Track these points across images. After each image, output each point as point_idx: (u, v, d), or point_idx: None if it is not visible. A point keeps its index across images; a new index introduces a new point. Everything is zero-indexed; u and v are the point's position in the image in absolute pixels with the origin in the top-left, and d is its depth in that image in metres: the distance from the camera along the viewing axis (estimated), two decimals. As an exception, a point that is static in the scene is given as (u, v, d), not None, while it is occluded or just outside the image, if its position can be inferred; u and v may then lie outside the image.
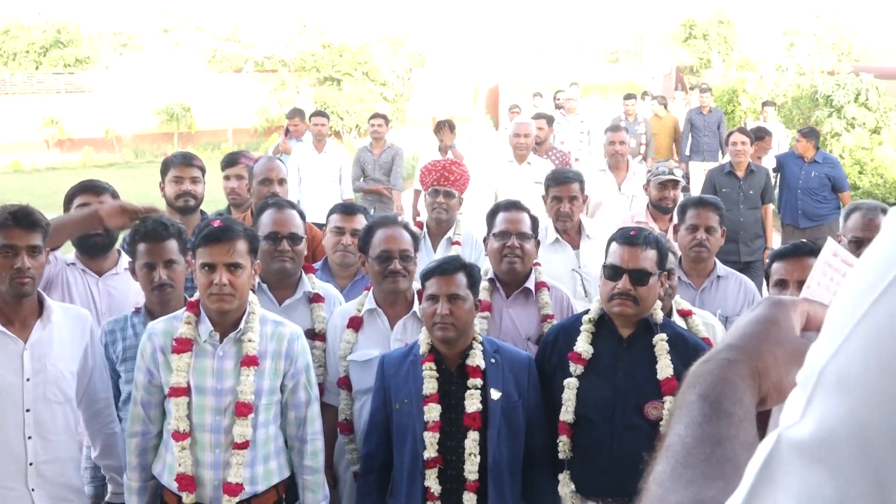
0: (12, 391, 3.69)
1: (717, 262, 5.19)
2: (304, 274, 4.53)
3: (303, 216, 4.60)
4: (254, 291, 4.28)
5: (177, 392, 3.68)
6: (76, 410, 3.95)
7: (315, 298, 4.47)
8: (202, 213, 5.55)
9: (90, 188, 4.78)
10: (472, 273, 3.87)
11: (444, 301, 3.76)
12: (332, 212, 5.11)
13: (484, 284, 4.46)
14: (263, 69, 30.44)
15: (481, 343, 3.88)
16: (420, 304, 4.00)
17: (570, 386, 3.86)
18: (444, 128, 10.80)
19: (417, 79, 31.67)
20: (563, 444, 3.85)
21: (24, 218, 3.67)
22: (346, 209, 5.11)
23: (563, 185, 5.66)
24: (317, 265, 5.06)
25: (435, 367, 3.82)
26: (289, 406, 3.86)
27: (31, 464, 3.72)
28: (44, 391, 3.74)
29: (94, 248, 4.63)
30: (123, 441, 3.97)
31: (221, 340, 3.74)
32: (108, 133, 27.21)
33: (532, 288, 4.58)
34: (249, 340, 3.71)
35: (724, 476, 0.85)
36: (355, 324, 4.29)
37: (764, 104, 15.24)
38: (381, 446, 3.90)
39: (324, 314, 4.43)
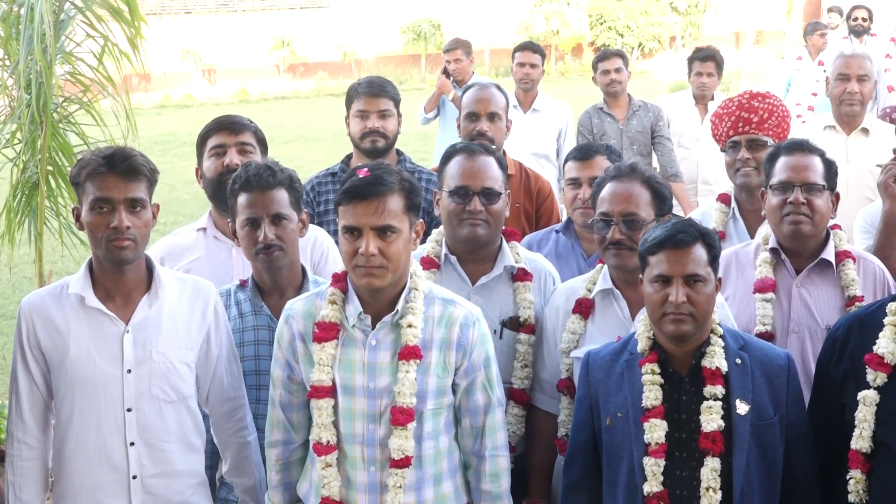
0: (109, 385, 3.64)
1: None
2: (504, 242, 4.25)
3: (503, 165, 4.28)
4: (438, 268, 4.12)
5: (319, 392, 3.52)
6: (196, 412, 3.84)
7: (520, 276, 4.20)
8: (399, 153, 5.37)
9: (227, 126, 4.57)
10: (712, 244, 3.55)
11: (680, 284, 3.46)
12: (567, 158, 4.92)
13: (765, 257, 4.26)
14: (529, -24, 30.31)
15: (721, 336, 3.58)
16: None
17: (868, 401, 3.53)
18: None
19: (717, -16, 30.56)
20: (856, 482, 3.54)
21: (121, 163, 3.57)
22: (582, 152, 4.85)
23: None
24: (559, 226, 4.90)
25: (659, 370, 3.55)
26: (462, 412, 3.67)
27: (134, 477, 3.68)
28: (149, 386, 3.67)
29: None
30: (261, 453, 3.86)
31: (374, 325, 3.55)
32: (346, 56, 28.12)
33: (831, 260, 4.24)
34: (410, 326, 3.50)
35: None
36: (585, 309, 4.06)
37: None
38: (588, 475, 3.71)
39: (531, 297, 4.18)
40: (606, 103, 8.37)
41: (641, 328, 3.62)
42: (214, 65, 27.57)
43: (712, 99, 8.41)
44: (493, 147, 4.63)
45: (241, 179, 4.00)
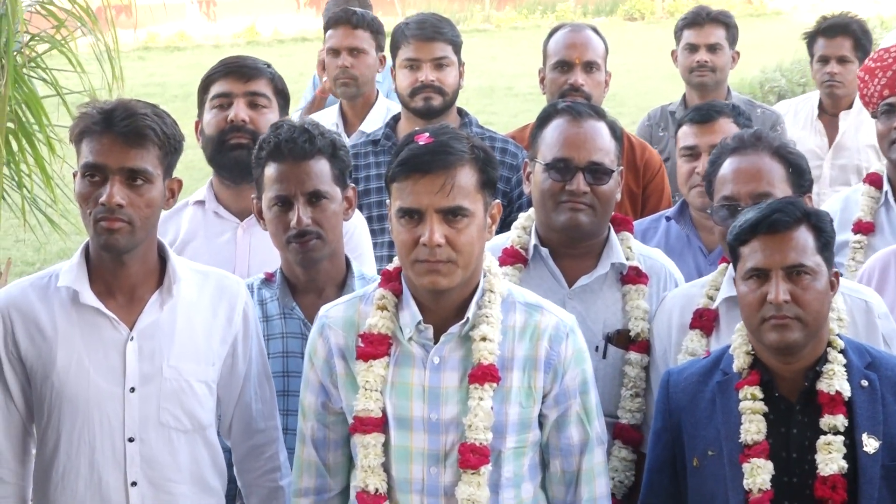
0: (106, 406, 3.66)
1: None
2: (613, 233, 4.27)
3: (617, 133, 4.31)
4: (525, 263, 4.17)
5: (365, 425, 3.54)
6: (215, 445, 3.86)
7: (631, 277, 4.25)
8: (462, 114, 5.42)
9: (235, 70, 4.62)
10: (821, 227, 3.60)
11: (780, 278, 3.49)
12: (681, 122, 5.04)
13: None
14: None
15: (843, 351, 3.60)
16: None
17: None
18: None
19: None
20: None
21: (121, 121, 3.58)
22: (701, 113, 4.92)
23: None
24: (670, 212, 4.96)
25: (762, 395, 3.58)
26: (552, 452, 3.67)
27: None
28: (157, 410, 3.69)
29: (238, 165, 4.49)
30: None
31: (437, 338, 3.57)
32: (391, -17, 28.05)
33: None
34: (484, 339, 3.51)
35: None
36: (707, 323, 4.10)
37: None
38: None
39: (646, 306, 4.24)
40: (685, 102, 6.60)
41: (738, 341, 3.65)
42: (215, -5, 27.74)
43: (850, 107, 6.71)
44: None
45: (270, 146, 4.04)
